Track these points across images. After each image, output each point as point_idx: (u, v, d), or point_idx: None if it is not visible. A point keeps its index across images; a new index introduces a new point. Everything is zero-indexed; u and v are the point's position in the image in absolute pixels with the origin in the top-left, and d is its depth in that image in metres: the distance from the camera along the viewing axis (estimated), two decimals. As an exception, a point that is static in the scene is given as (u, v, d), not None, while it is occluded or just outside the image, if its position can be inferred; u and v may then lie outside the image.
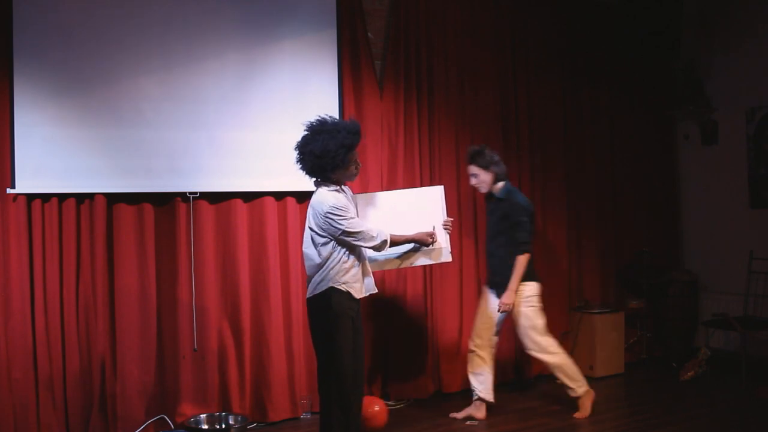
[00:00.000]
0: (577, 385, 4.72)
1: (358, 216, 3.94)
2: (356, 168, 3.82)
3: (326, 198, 3.68)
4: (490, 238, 4.77)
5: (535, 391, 5.44)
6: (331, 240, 3.69)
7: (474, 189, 5.48)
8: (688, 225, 6.66)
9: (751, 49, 6.08)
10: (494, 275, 4.71)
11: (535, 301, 4.66)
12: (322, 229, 3.69)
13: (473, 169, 4.64)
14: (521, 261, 4.54)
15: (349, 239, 3.68)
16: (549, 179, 5.92)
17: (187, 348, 4.55)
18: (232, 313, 4.71)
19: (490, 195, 4.72)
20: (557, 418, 4.74)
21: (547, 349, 4.68)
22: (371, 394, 5.04)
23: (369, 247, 3.76)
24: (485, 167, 4.61)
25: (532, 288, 4.65)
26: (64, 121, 4.28)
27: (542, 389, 5.49)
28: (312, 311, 3.80)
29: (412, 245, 4.12)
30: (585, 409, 4.73)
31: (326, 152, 3.62)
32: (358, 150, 3.77)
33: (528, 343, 4.70)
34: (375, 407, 4.48)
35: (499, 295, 4.62)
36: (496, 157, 4.65)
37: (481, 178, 4.64)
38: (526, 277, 4.60)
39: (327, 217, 3.65)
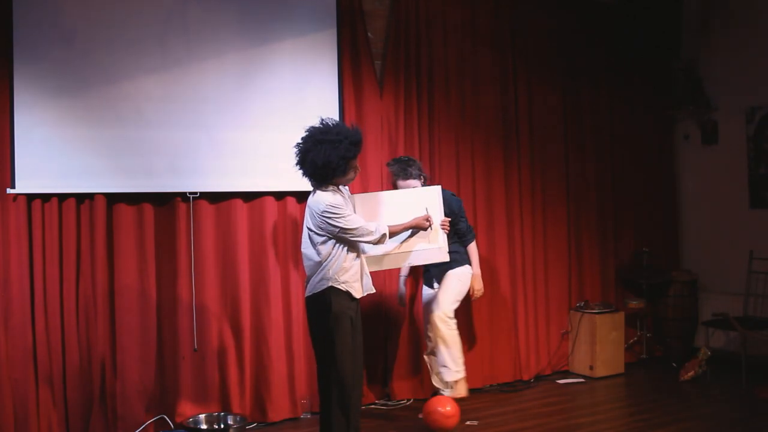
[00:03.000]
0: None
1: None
2: (355, 173, 3.83)
3: (323, 198, 3.69)
4: None
5: (535, 391, 5.44)
6: (330, 238, 3.69)
7: (475, 187, 5.51)
8: (688, 225, 6.66)
9: (751, 49, 6.08)
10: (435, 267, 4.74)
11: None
12: (320, 228, 3.69)
13: (413, 183, 4.58)
14: (475, 247, 4.80)
15: (348, 236, 3.69)
16: (549, 179, 5.92)
17: (187, 348, 4.55)
18: (232, 313, 4.71)
19: None
20: (557, 418, 4.75)
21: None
22: (371, 393, 5.05)
23: (369, 242, 3.78)
24: (418, 177, 4.62)
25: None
26: (64, 120, 4.28)
27: (542, 389, 5.49)
28: (311, 311, 3.80)
29: (409, 232, 4.17)
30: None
31: (328, 164, 3.63)
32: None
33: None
34: (447, 407, 4.43)
35: (439, 281, 4.74)
36: (418, 162, 4.71)
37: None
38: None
39: (324, 216, 3.65)
